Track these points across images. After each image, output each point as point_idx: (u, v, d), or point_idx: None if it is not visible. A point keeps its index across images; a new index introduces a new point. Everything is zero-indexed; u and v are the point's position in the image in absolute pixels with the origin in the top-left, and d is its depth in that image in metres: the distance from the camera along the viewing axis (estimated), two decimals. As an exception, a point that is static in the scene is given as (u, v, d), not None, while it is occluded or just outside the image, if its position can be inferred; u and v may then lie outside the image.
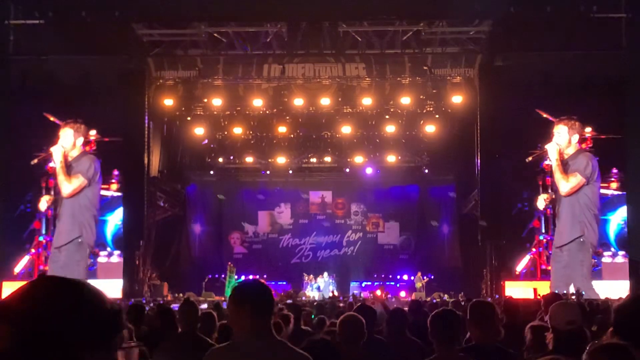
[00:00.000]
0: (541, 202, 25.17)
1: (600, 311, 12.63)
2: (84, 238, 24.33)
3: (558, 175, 24.11)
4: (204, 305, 22.47)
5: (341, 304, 17.74)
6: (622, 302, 4.16)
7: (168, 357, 5.91)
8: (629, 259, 24.81)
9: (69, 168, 24.33)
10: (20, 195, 25.42)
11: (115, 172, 26.09)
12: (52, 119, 24.87)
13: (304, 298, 26.57)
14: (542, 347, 5.75)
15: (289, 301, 15.95)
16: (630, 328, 3.71)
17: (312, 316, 11.27)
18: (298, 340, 6.82)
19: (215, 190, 34.44)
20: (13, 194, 25.30)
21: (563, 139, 24.24)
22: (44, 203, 25.03)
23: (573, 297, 20.41)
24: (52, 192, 25.17)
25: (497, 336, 5.64)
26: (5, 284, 23.73)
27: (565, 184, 24.07)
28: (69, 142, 24.38)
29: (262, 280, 4.50)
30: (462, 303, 13.40)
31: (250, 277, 29.54)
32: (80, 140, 24.55)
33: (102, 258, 25.80)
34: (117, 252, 25.94)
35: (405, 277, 32.26)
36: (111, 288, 24.47)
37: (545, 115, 24.75)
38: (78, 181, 24.26)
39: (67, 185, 24.24)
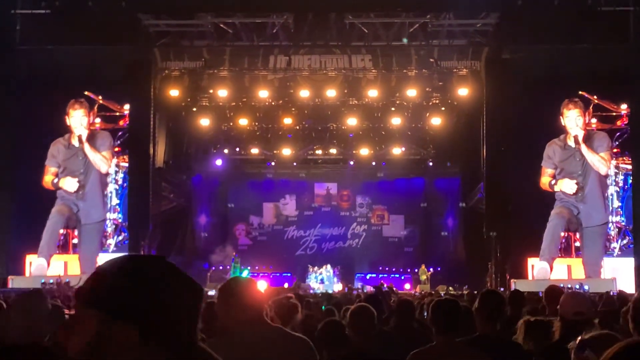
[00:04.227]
0: (572, 187, 25.21)
1: (605, 304, 12.59)
2: (105, 215, 26.25)
3: (593, 157, 24.59)
4: (212, 292, 22.57)
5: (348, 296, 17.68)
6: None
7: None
8: (633, 242, 25.02)
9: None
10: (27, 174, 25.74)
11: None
12: (87, 93, 25.94)
13: (311, 290, 26.56)
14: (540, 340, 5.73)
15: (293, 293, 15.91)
16: None
17: (322, 307, 11.24)
18: (308, 327, 6.84)
19: (221, 181, 34.42)
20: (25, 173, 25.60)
21: (581, 122, 24.85)
22: (73, 184, 25.45)
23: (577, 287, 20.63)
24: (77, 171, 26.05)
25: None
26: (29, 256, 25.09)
27: (604, 165, 24.72)
28: (85, 120, 25.79)
29: (250, 277, 4.65)
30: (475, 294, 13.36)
31: (245, 273, 29.58)
32: (90, 118, 25.98)
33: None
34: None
35: (409, 269, 32.24)
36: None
37: (586, 95, 25.12)
38: (109, 157, 26.13)
39: (104, 164, 25.99)
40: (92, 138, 26.01)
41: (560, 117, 25.25)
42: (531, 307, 9.22)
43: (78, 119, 25.71)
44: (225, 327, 4.45)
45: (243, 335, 4.21)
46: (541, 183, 25.63)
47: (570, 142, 25.21)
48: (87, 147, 25.74)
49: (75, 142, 25.77)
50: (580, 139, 24.91)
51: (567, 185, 25.31)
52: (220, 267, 30.23)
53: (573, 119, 25.06)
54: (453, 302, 5.44)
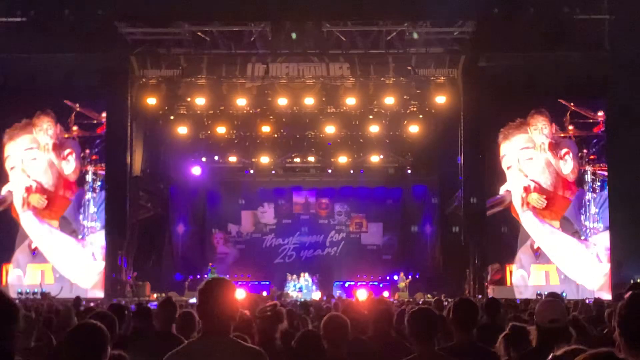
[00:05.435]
0: (541, 202, 25.57)
1: (581, 311, 12.67)
2: (79, 224, 26.10)
3: (559, 165, 25.26)
4: (193, 300, 22.47)
5: (325, 305, 17.65)
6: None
7: (141, 357, 5.86)
8: (610, 248, 25.25)
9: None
10: None
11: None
12: (68, 103, 25.92)
13: (290, 299, 26.49)
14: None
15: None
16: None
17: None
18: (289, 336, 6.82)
19: (199, 190, 34.27)
20: None
21: (547, 131, 25.18)
22: (41, 200, 25.63)
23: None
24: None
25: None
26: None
27: (570, 172, 25.25)
28: (51, 131, 25.82)
29: (225, 279, 4.57)
30: (445, 303, 13.39)
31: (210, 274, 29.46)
32: (57, 128, 25.97)
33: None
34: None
35: (388, 277, 32.25)
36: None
37: (563, 102, 25.39)
38: (77, 165, 26.10)
39: (72, 173, 26.05)
40: (59, 147, 25.87)
41: (527, 127, 25.50)
42: (514, 314, 9.27)
43: (43, 130, 25.63)
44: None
45: (198, 347, 4.31)
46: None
47: (537, 151, 25.53)
48: (53, 157, 25.58)
49: (41, 151, 25.72)
50: (546, 147, 25.18)
51: (536, 200, 25.59)
52: (198, 276, 30.09)
53: (539, 129, 25.40)
54: (429, 312, 5.45)
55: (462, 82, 26.69)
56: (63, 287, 24.65)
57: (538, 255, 25.76)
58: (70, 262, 25.63)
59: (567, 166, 25.62)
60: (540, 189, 25.65)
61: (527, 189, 25.66)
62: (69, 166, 26.00)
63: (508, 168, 25.81)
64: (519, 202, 25.72)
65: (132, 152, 26.95)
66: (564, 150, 25.61)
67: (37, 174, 25.84)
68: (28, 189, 25.70)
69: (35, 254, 25.66)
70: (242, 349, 4.35)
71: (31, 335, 6.91)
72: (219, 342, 4.27)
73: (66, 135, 25.98)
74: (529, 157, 25.68)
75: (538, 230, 25.62)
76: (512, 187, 25.77)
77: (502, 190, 25.81)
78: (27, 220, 25.71)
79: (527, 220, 25.64)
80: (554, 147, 25.60)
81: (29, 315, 6.66)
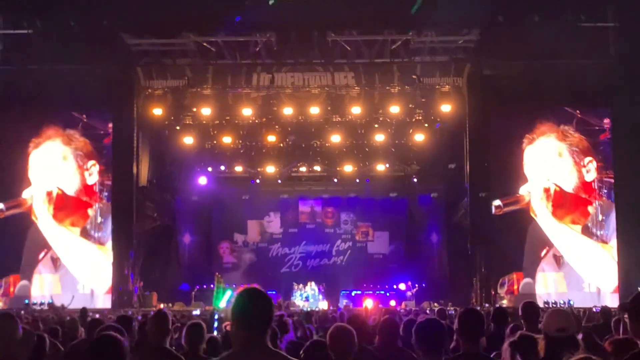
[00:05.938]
0: (547, 207, 25.80)
1: (589, 319, 12.65)
2: (86, 234, 26.24)
3: (565, 171, 25.62)
4: (197, 312, 22.47)
5: (331, 315, 17.64)
6: None
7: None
8: (617, 255, 25.19)
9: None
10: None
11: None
12: (75, 114, 26.22)
13: (298, 309, 26.46)
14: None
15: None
16: None
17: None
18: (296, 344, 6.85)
19: (205, 200, 34.29)
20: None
21: (552, 138, 25.45)
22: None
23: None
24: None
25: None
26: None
27: (576, 177, 25.70)
28: (58, 140, 26.21)
29: (261, 290, 4.49)
30: (451, 312, 13.39)
31: (229, 293, 29.36)
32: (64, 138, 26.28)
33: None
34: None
35: (395, 286, 32.19)
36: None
37: (569, 110, 25.79)
38: (91, 173, 26.45)
39: (77, 182, 26.29)
40: (66, 157, 25.98)
41: (534, 135, 25.60)
42: (513, 324, 9.24)
43: (50, 140, 25.80)
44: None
45: (239, 357, 4.19)
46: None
47: (544, 157, 25.64)
48: (75, 166, 25.70)
49: (50, 161, 25.89)
50: (568, 153, 25.27)
51: (545, 206, 25.65)
52: (204, 286, 30.08)
53: (544, 136, 25.52)
54: (436, 324, 5.43)
55: (467, 90, 26.68)
56: (74, 296, 24.72)
57: (545, 262, 25.67)
58: (89, 268, 25.73)
59: (591, 174, 25.64)
60: (561, 192, 25.58)
61: (547, 191, 25.63)
62: (92, 177, 26.11)
63: (529, 172, 25.85)
64: (538, 203, 25.69)
65: (138, 163, 27.01)
66: (588, 159, 25.65)
67: (60, 181, 25.95)
68: (49, 194, 25.78)
69: (55, 265, 25.73)
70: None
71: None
72: (260, 354, 4.17)
73: (73, 146, 26.06)
74: (550, 161, 25.68)
75: (555, 231, 25.57)
76: (532, 188, 25.76)
77: (521, 190, 25.78)
78: (45, 225, 25.77)
79: (545, 222, 25.59)
80: (576, 153, 25.63)
81: (32, 332, 6.66)
